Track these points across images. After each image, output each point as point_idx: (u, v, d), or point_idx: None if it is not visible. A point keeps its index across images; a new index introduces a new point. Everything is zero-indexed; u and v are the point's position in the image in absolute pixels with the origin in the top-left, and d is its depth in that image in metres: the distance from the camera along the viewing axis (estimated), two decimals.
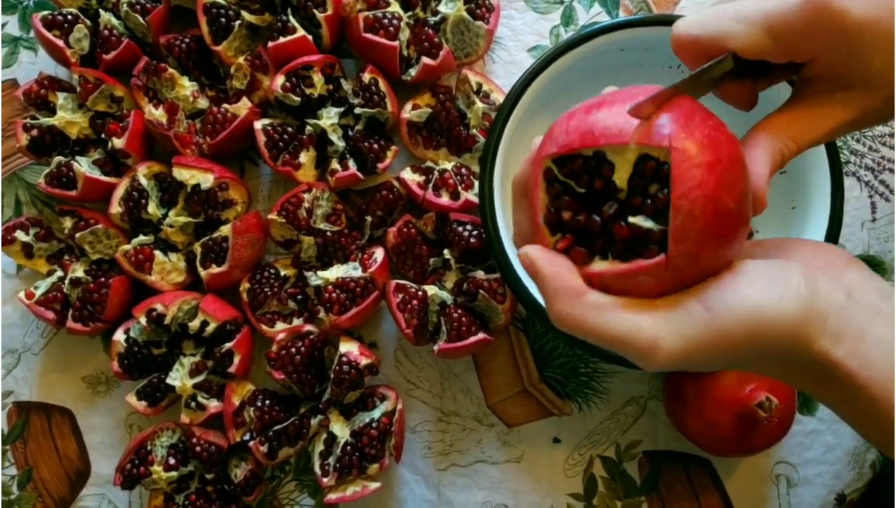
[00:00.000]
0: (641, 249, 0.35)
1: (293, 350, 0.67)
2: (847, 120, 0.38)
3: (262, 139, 0.68)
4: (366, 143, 0.69)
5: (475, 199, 0.68)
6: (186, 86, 0.70)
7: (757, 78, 0.40)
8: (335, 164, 0.69)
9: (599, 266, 0.35)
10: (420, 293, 0.67)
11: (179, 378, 0.67)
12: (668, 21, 0.63)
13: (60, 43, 0.70)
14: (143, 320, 0.66)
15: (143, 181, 0.69)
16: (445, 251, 0.69)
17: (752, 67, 0.38)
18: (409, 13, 0.70)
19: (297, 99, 0.68)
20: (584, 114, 0.37)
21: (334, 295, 0.67)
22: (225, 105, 0.69)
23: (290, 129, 0.69)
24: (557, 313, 0.35)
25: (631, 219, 0.35)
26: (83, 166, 0.69)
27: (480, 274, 0.67)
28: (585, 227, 0.36)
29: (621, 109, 0.35)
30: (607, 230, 0.36)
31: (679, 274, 0.35)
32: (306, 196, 0.68)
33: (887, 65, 0.35)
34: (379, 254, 0.69)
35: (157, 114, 0.70)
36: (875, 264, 0.70)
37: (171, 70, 0.70)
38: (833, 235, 0.61)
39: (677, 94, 0.36)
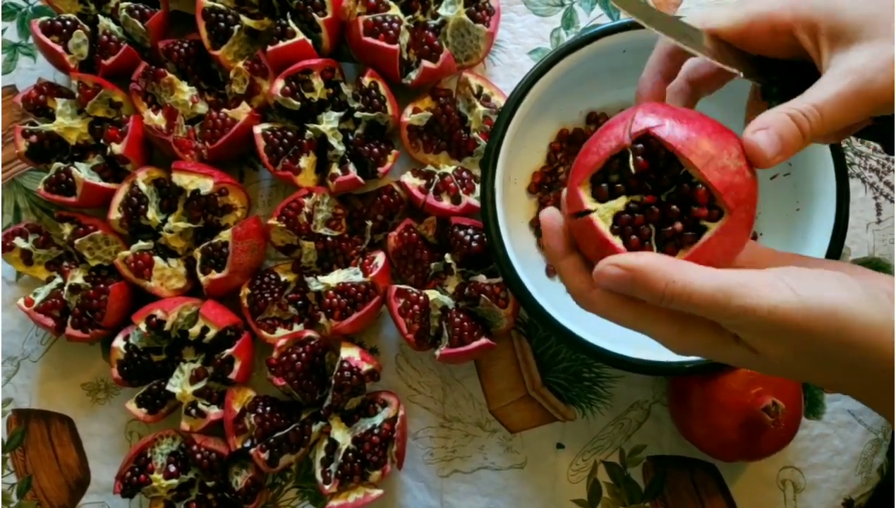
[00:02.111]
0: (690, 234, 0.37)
1: (294, 356, 0.66)
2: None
3: (261, 144, 0.68)
4: (366, 147, 0.69)
5: (476, 203, 0.68)
6: (185, 91, 0.70)
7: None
8: (335, 169, 0.69)
9: (601, 222, 0.37)
10: (421, 298, 0.67)
11: (179, 384, 0.67)
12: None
13: (59, 48, 0.70)
14: (142, 326, 0.66)
15: (143, 186, 0.69)
16: (447, 255, 0.68)
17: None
18: (409, 16, 0.70)
19: (297, 103, 0.68)
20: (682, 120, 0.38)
21: (335, 300, 0.67)
22: (224, 110, 0.69)
23: (289, 134, 0.69)
24: (670, 291, 0.35)
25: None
26: (82, 172, 0.68)
27: (482, 278, 0.67)
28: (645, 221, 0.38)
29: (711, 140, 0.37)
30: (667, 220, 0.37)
31: (724, 250, 0.37)
32: (306, 201, 0.68)
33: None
34: (380, 258, 0.68)
35: (157, 119, 0.69)
36: (880, 267, 0.70)
37: (170, 75, 0.70)
38: (839, 237, 0.61)
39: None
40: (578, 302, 0.39)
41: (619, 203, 0.38)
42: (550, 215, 0.40)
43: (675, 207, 0.37)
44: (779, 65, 0.41)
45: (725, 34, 0.40)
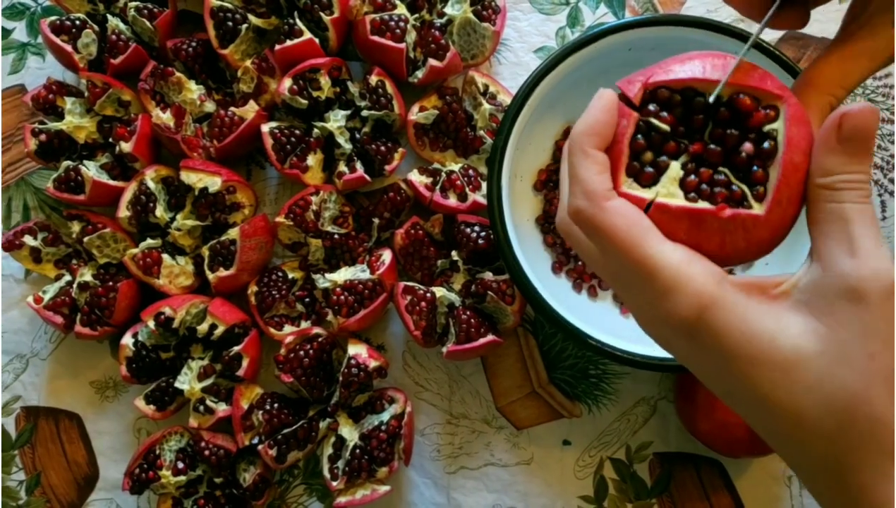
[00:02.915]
0: (718, 196, 0.34)
1: (301, 353, 0.67)
2: (889, 49, 0.36)
3: (269, 142, 0.68)
4: (373, 146, 0.69)
5: (483, 200, 0.68)
6: (193, 90, 0.70)
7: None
8: (342, 167, 0.69)
9: (669, 200, 0.34)
10: (428, 295, 0.67)
11: (188, 381, 0.67)
12: (675, 21, 0.63)
13: (68, 48, 0.70)
14: (151, 324, 0.66)
15: (151, 185, 0.69)
16: (453, 252, 0.69)
17: None
18: (416, 15, 0.70)
19: (305, 102, 0.69)
20: (673, 61, 0.37)
21: (342, 297, 0.67)
22: (232, 108, 0.69)
23: (297, 132, 0.69)
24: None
25: (745, 148, 0.33)
26: (91, 170, 0.69)
27: (489, 275, 0.67)
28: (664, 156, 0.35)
29: (703, 61, 0.36)
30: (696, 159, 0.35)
31: (747, 237, 0.34)
32: (314, 198, 0.68)
33: None
34: (387, 256, 0.68)
35: (165, 117, 0.70)
36: None
37: (178, 74, 0.70)
38: None
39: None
40: (581, 202, 0.35)
41: (675, 172, 0.35)
42: (610, 96, 0.36)
43: (730, 133, 0.34)
44: None
45: None
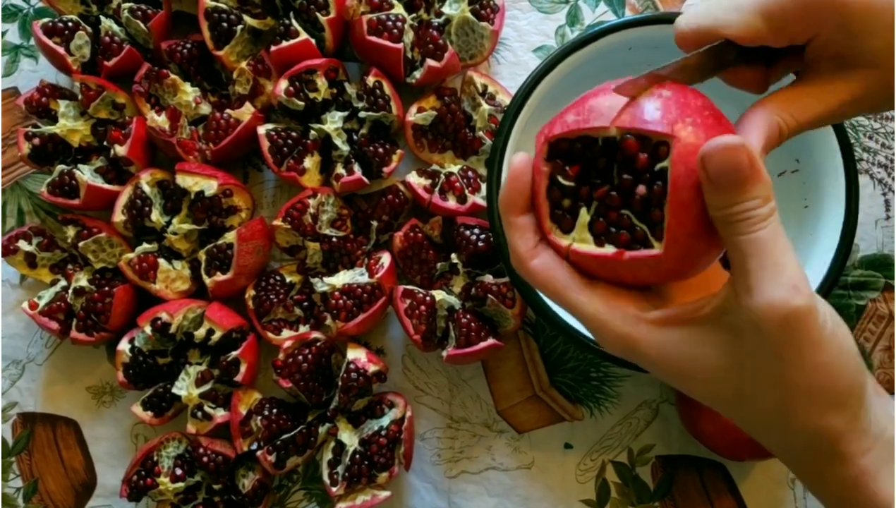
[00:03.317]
0: (621, 238, 0.36)
1: (300, 357, 0.66)
2: (849, 98, 0.38)
3: (265, 144, 0.67)
4: (371, 147, 0.68)
5: (482, 202, 0.68)
6: (189, 92, 0.70)
7: (768, 65, 0.40)
8: (340, 169, 0.68)
9: (580, 246, 0.37)
10: (428, 298, 0.66)
11: (185, 387, 0.67)
12: (675, 19, 0.62)
13: (61, 50, 0.69)
14: (148, 329, 0.66)
15: (147, 188, 0.68)
16: (453, 255, 0.68)
17: (760, 54, 0.39)
18: (413, 15, 0.69)
19: (301, 103, 0.68)
20: (581, 101, 0.38)
21: (341, 301, 0.66)
22: (228, 110, 0.69)
23: (294, 134, 0.69)
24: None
25: (625, 210, 0.36)
26: (85, 174, 0.68)
27: (489, 278, 0.66)
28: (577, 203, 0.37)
29: (610, 95, 0.37)
30: (600, 207, 0.37)
31: (655, 272, 0.36)
32: (311, 201, 0.68)
33: (887, 43, 0.36)
34: (385, 259, 0.68)
35: (160, 120, 0.69)
36: (889, 263, 0.69)
37: (172, 76, 0.69)
38: (848, 234, 0.60)
39: (666, 80, 0.37)
40: (514, 263, 0.39)
41: (583, 218, 0.36)
42: (521, 160, 0.38)
43: (625, 177, 0.36)
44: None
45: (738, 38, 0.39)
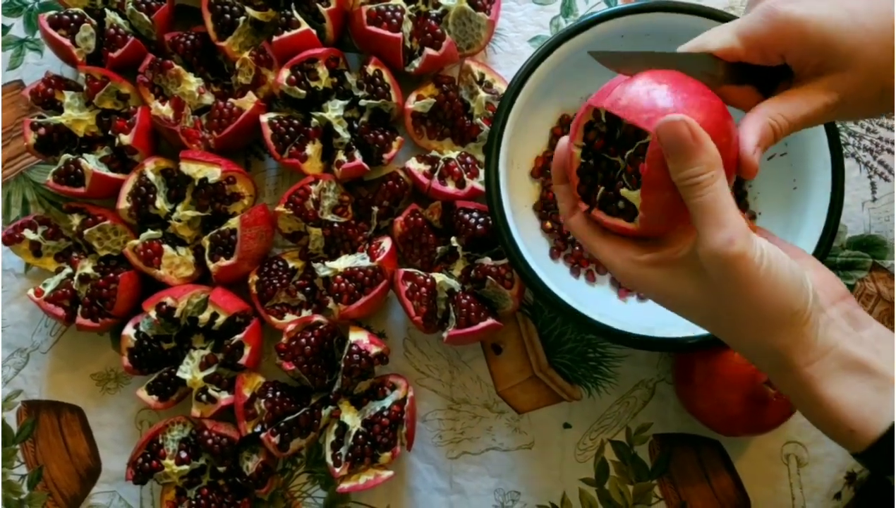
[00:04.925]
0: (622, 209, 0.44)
1: (303, 340, 0.67)
2: (830, 99, 0.44)
3: (268, 132, 0.69)
4: (371, 134, 0.70)
5: (481, 187, 0.69)
6: (192, 82, 0.71)
7: (764, 88, 0.46)
8: (341, 156, 0.70)
9: (597, 213, 0.46)
10: (428, 281, 0.68)
11: (190, 371, 0.68)
12: (665, 7, 0.64)
13: (67, 42, 0.71)
14: (153, 314, 0.67)
15: (151, 176, 0.70)
16: (452, 239, 0.69)
17: (751, 76, 0.45)
18: (412, 6, 0.71)
19: (303, 92, 0.69)
20: (616, 85, 0.44)
21: (343, 284, 0.67)
22: (231, 100, 0.70)
23: (295, 122, 0.70)
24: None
25: (622, 191, 0.44)
26: (91, 163, 0.69)
27: (488, 260, 0.68)
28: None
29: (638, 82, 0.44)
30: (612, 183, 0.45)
31: (641, 231, 0.44)
32: (313, 187, 0.69)
33: (850, 49, 0.42)
34: (386, 243, 0.69)
35: (164, 109, 0.70)
36: (876, 243, 0.71)
37: (176, 67, 0.71)
38: (834, 214, 0.62)
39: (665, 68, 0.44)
40: (561, 218, 0.49)
41: (599, 194, 0.46)
42: (563, 143, 0.48)
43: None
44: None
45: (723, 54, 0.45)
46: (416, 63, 0.70)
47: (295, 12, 0.69)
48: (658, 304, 0.46)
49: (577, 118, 0.46)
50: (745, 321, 0.42)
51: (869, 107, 0.46)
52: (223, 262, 0.68)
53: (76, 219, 0.70)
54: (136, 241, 0.69)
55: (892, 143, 0.72)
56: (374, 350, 0.67)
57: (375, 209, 0.71)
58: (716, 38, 0.45)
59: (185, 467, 0.67)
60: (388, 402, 0.67)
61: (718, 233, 0.39)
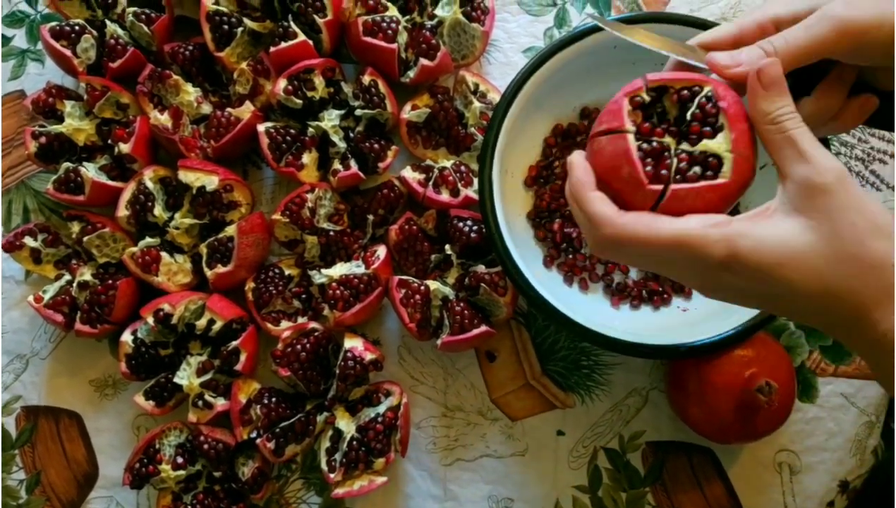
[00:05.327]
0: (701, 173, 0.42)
1: (298, 347, 0.68)
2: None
3: (265, 141, 0.70)
4: (367, 144, 0.71)
5: (475, 196, 0.70)
6: (191, 92, 0.72)
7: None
8: (337, 165, 0.70)
9: (680, 188, 0.42)
10: (423, 288, 0.68)
11: (187, 377, 0.68)
12: (658, 18, 0.65)
13: (68, 52, 0.72)
14: (150, 320, 0.67)
15: (150, 184, 0.70)
16: (447, 247, 0.70)
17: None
18: (407, 17, 0.72)
19: (299, 102, 0.70)
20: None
21: (338, 291, 0.68)
22: (228, 109, 0.71)
23: (292, 132, 0.71)
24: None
25: (704, 144, 0.42)
26: (90, 171, 0.70)
27: (482, 268, 0.69)
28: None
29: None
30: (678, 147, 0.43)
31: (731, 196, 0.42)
32: (309, 196, 0.70)
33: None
34: (381, 251, 0.70)
35: (163, 119, 0.71)
36: None
37: (175, 77, 0.72)
38: None
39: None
40: (606, 228, 0.43)
41: (673, 166, 0.42)
42: (580, 153, 0.46)
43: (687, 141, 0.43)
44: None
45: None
46: (412, 73, 0.71)
47: (292, 23, 0.70)
48: (748, 286, 0.41)
49: (609, 112, 0.45)
50: (860, 236, 0.38)
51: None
52: (220, 269, 0.69)
53: (76, 227, 0.71)
54: (134, 249, 0.70)
55: (885, 153, 0.73)
56: (368, 356, 0.67)
57: (371, 217, 0.72)
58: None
59: (182, 472, 0.68)
60: (382, 409, 0.68)
61: (825, 153, 0.39)
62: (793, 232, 0.39)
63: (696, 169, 0.42)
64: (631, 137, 0.43)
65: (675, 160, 0.43)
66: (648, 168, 0.43)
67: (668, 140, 0.44)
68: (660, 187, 0.42)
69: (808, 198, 0.39)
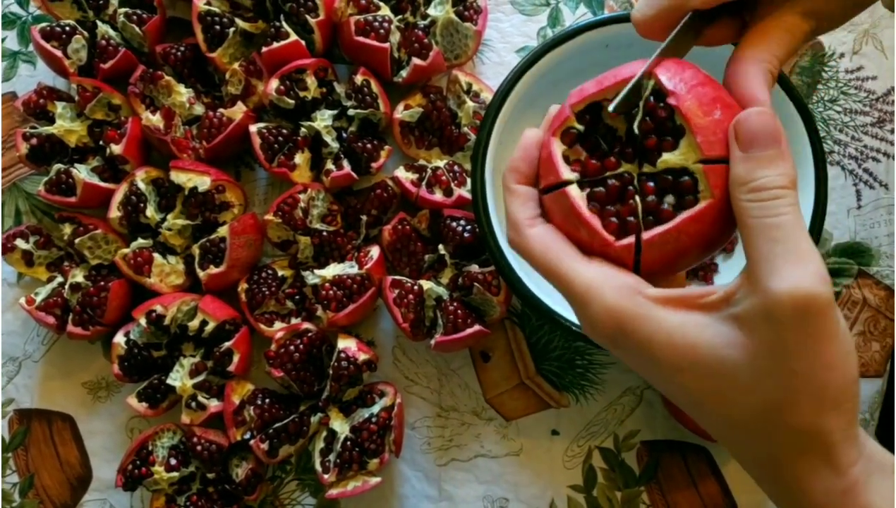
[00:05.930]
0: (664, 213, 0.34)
1: (292, 348, 0.68)
2: (812, 26, 0.38)
3: (257, 142, 0.70)
4: (359, 144, 0.71)
5: (468, 195, 0.70)
6: (182, 93, 0.72)
7: (730, 12, 0.40)
8: (330, 165, 0.70)
9: (648, 233, 0.34)
10: (416, 288, 0.68)
11: (180, 378, 0.68)
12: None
13: (59, 53, 0.71)
14: (143, 321, 0.67)
15: (142, 185, 0.70)
16: (440, 247, 0.70)
17: (724, 8, 0.39)
18: (400, 16, 0.72)
19: (292, 102, 0.70)
20: (590, 84, 0.39)
21: (331, 292, 0.68)
22: (220, 110, 0.71)
23: (284, 132, 0.71)
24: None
25: (663, 158, 0.34)
26: (82, 173, 0.70)
27: (475, 268, 0.68)
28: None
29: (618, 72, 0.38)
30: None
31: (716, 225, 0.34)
32: (302, 196, 0.70)
33: None
34: (375, 251, 0.70)
35: (155, 120, 0.71)
36: (862, 250, 0.71)
37: (167, 78, 0.71)
38: (818, 221, 0.63)
39: (664, 59, 0.38)
40: (511, 232, 0.38)
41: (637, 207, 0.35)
42: (533, 133, 0.39)
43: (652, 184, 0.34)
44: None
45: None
46: (404, 73, 0.71)
47: (284, 23, 0.70)
48: (638, 365, 0.35)
49: (543, 162, 0.38)
50: (799, 392, 0.31)
51: (840, 18, 0.39)
52: (213, 270, 0.69)
53: (68, 229, 0.71)
54: (126, 250, 0.70)
55: (878, 151, 0.73)
56: (362, 357, 0.67)
57: (364, 218, 0.71)
58: None
59: (175, 474, 0.68)
60: (376, 409, 0.67)
61: (805, 267, 0.30)
62: (716, 343, 0.32)
63: (669, 198, 0.34)
64: (574, 190, 0.35)
65: (637, 199, 0.34)
66: (612, 218, 0.34)
67: (626, 167, 0.35)
68: (630, 241, 0.34)
69: (756, 318, 0.31)
